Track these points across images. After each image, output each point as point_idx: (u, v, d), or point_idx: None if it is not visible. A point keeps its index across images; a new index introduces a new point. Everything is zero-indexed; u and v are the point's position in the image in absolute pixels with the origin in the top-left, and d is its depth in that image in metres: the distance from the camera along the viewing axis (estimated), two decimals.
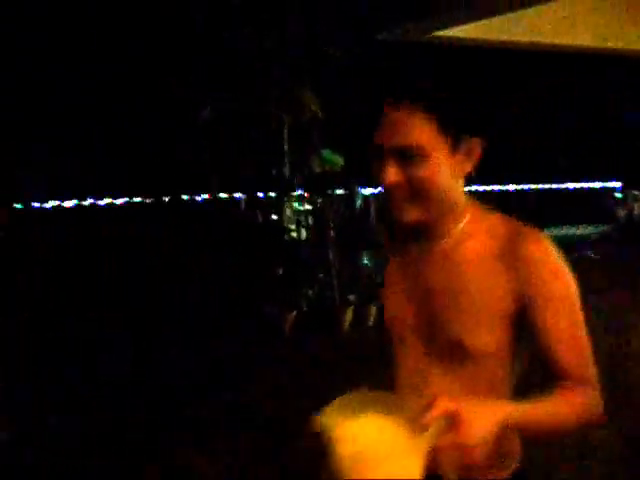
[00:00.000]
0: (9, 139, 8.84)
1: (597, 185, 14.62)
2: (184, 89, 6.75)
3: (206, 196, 10.25)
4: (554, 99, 13.93)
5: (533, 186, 14.17)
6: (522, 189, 14.15)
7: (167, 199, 10.16)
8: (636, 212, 12.89)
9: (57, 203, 9.97)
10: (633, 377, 4.82)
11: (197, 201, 10.29)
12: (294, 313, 5.96)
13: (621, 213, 13.31)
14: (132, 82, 8.88)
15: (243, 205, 9.60)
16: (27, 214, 9.55)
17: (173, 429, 3.99)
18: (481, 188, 13.45)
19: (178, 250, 8.17)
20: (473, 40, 5.86)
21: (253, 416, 4.21)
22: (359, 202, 12.38)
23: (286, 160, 7.00)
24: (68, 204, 10.11)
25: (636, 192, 13.10)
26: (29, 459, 3.63)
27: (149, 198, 10.09)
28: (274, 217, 7.22)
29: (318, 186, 7.30)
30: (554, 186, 14.50)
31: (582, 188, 14.45)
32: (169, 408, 4.32)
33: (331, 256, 6.41)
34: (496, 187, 13.88)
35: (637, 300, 7.31)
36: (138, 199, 10.29)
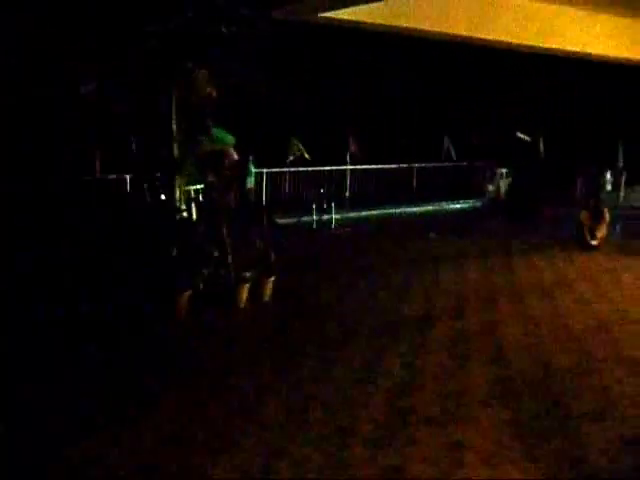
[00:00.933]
0: None
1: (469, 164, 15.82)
2: (72, 63, 6.37)
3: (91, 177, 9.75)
4: (432, 85, 14.80)
5: (415, 165, 15.02)
6: (406, 167, 14.95)
7: (47, 181, 9.51)
8: (502, 189, 14.18)
9: None
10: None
11: (83, 182, 9.73)
12: (189, 292, 5.96)
13: (490, 189, 14.60)
14: (17, 53, 8.15)
15: (129, 185, 9.27)
16: None
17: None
18: (367, 167, 14.05)
19: (65, 234, 7.75)
20: (357, 22, 6.14)
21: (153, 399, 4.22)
22: (251, 180, 12.46)
23: (175, 139, 6.88)
24: None
25: (502, 170, 14.40)
26: None
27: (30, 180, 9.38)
28: (164, 197, 7.09)
29: (210, 164, 7.26)
30: (433, 165, 15.46)
31: (458, 166, 15.56)
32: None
33: (224, 234, 6.45)
34: (380, 166, 14.53)
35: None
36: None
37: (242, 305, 6.29)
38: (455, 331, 5.58)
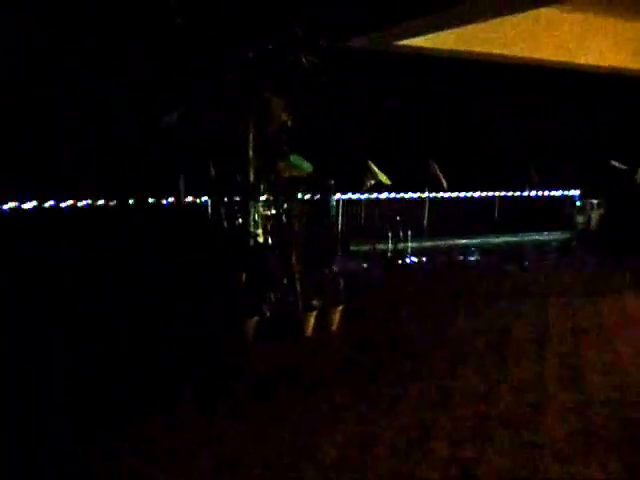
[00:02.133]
0: None
1: (557, 193, 15.01)
2: (152, 93, 6.70)
3: (172, 199, 10.16)
4: (518, 110, 14.28)
5: (497, 193, 14.46)
6: (487, 196, 14.43)
7: (132, 202, 10.02)
8: (593, 220, 13.29)
9: (16, 204, 9.73)
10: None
11: (163, 205, 10.18)
12: (256, 319, 5.95)
13: (580, 221, 13.73)
14: (99, 84, 8.76)
15: (209, 209, 9.54)
16: None
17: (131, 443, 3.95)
18: (447, 195, 13.68)
19: (142, 253, 8.07)
20: (437, 50, 6.00)
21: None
22: (333, 206, 12.47)
23: (251, 165, 7.00)
24: (28, 206, 9.88)
25: (594, 201, 13.52)
26: None
27: (114, 201, 9.93)
28: (240, 222, 7.21)
29: (285, 191, 7.33)
30: (517, 194, 14.82)
31: (544, 196, 14.82)
32: (128, 419, 4.27)
33: (294, 261, 6.42)
34: (462, 194, 14.11)
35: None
36: (102, 202, 10.11)
37: (309, 333, 6.20)
38: (535, 374, 5.18)
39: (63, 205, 10.15)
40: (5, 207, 9.77)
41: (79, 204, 10.15)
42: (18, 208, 9.84)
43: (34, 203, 9.94)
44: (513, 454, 3.78)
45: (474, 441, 3.94)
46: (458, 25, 5.17)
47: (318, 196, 12.33)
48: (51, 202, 10.10)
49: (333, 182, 12.28)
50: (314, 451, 3.77)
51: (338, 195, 12.66)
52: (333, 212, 12.11)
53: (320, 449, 3.80)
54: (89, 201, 10.07)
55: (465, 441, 3.94)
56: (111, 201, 10.01)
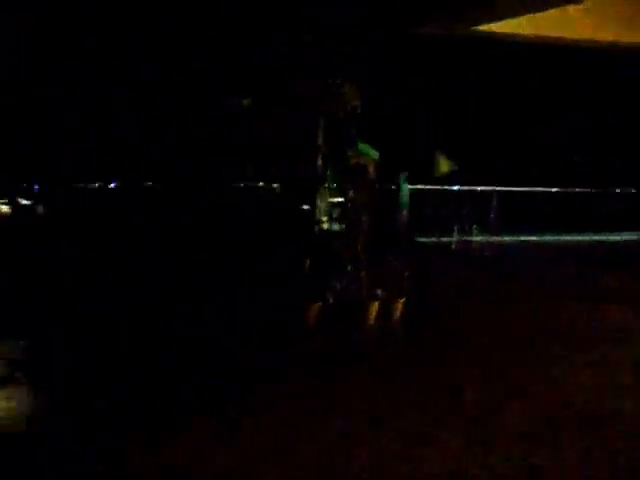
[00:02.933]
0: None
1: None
2: (225, 79, 6.82)
3: (241, 184, 10.36)
4: (602, 100, 13.46)
5: (576, 189, 13.78)
6: (562, 191, 13.80)
7: (203, 184, 10.29)
8: None
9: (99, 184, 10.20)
10: None
11: (233, 187, 10.39)
12: (319, 304, 5.98)
13: None
14: (176, 69, 8.97)
15: (278, 193, 9.65)
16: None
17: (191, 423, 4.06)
18: (518, 189, 13.19)
19: (211, 234, 8.28)
20: (515, 35, 5.74)
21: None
22: (405, 196, 12.24)
23: (320, 152, 7.01)
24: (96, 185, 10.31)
25: None
26: None
27: (184, 183, 10.23)
28: (306, 207, 7.26)
29: (352, 179, 7.30)
30: (597, 190, 14.07)
31: (627, 192, 13.98)
32: (189, 398, 4.40)
33: (359, 249, 6.39)
34: (533, 188, 13.57)
35: None
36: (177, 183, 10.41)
37: (371, 322, 6.18)
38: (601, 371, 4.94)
39: (146, 185, 10.49)
40: (91, 186, 10.23)
41: (156, 186, 10.49)
42: (103, 187, 10.28)
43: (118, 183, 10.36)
44: None
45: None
46: (533, 11, 4.94)
47: (389, 185, 12.23)
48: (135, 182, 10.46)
49: (407, 172, 12.09)
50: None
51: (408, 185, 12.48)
52: (405, 202, 11.89)
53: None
54: (163, 184, 10.39)
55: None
56: (183, 182, 10.30)
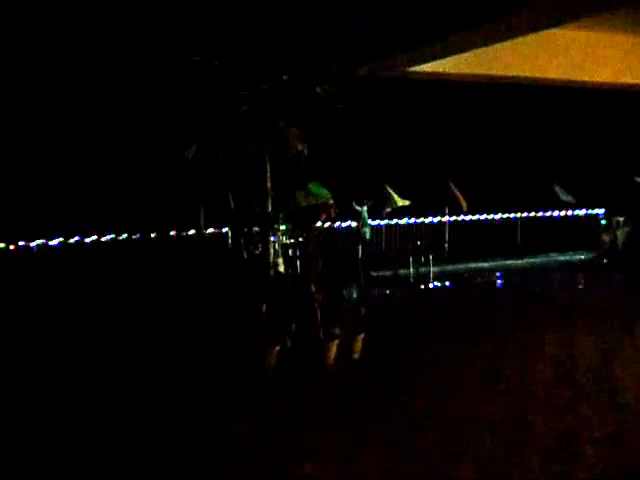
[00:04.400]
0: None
1: (581, 212, 14.78)
2: (169, 129, 6.84)
3: (193, 231, 10.27)
4: (536, 129, 14.18)
5: (519, 215, 14.30)
6: (508, 217, 14.27)
7: (154, 235, 10.17)
8: (619, 239, 13.00)
9: (43, 242, 9.95)
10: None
11: (184, 236, 10.30)
12: (277, 348, 5.92)
13: (605, 239, 13.43)
14: (122, 123, 8.99)
15: (229, 240, 9.61)
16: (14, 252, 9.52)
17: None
18: (467, 218, 13.58)
19: (162, 284, 8.15)
20: (448, 74, 6.03)
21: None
22: (367, 231, 12.32)
23: (269, 195, 7.07)
24: (53, 242, 10.09)
25: (619, 218, 13.24)
26: None
27: (135, 235, 10.08)
28: (259, 251, 7.25)
29: (304, 220, 7.35)
30: (539, 214, 14.63)
31: (567, 215, 14.60)
32: (150, 445, 4.24)
33: (313, 290, 6.40)
34: (482, 216, 13.99)
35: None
36: (124, 236, 10.27)
37: (330, 361, 6.13)
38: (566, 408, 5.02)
39: (87, 240, 10.33)
40: (32, 244, 9.99)
41: (102, 239, 10.32)
42: (45, 245, 10.05)
43: (60, 239, 10.15)
44: None
45: None
46: (467, 49, 5.19)
47: (344, 223, 12.35)
48: (76, 238, 10.29)
49: (366, 208, 12.25)
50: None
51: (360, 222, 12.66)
52: (367, 236, 11.97)
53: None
54: (111, 236, 10.23)
55: None
56: (133, 235, 10.16)
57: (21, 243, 9.77)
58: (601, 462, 3.97)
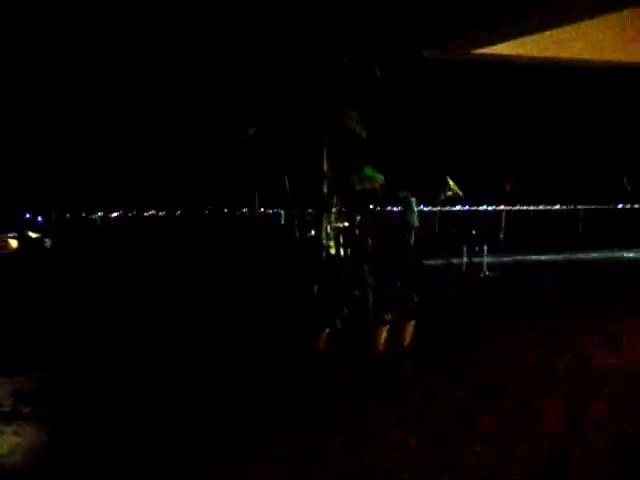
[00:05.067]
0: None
1: None
2: (229, 108, 6.88)
3: (247, 210, 10.39)
4: (607, 116, 13.53)
5: (581, 206, 13.76)
6: (570, 208, 13.76)
7: (207, 212, 10.34)
8: None
9: (102, 214, 10.33)
10: None
11: (239, 215, 10.43)
12: (327, 331, 5.93)
13: None
14: (176, 100, 9.11)
15: (283, 220, 9.66)
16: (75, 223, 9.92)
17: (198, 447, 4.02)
18: (525, 207, 13.18)
19: (217, 264, 8.27)
20: (515, 57, 5.78)
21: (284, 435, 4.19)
22: (415, 217, 12.15)
23: (325, 178, 7.03)
24: (114, 214, 10.47)
25: None
26: None
27: (190, 211, 10.29)
28: (313, 234, 7.25)
29: (358, 204, 7.31)
30: (604, 206, 14.02)
31: (635, 208, 13.93)
32: (195, 427, 4.35)
33: (366, 274, 6.36)
34: (541, 207, 13.55)
35: None
36: (179, 211, 10.52)
37: (380, 347, 6.11)
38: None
39: (146, 214, 10.66)
40: (94, 216, 10.40)
41: (160, 213, 10.61)
42: (106, 217, 10.45)
43: (119, 212, 10.51)
44: None
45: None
46: (536, 31, 4.96)
47: (395, 208, 12.25)
48: (134, 212, 10.63)
49: (415, 196, 12.10)
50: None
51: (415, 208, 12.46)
52: (415, 224, 11.83)
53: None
54: (166, 211, 10.50)
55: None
56: (188, 211, 10.38)
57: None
58: None
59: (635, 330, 6.93)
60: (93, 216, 10.22)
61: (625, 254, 12.79)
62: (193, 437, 4.09)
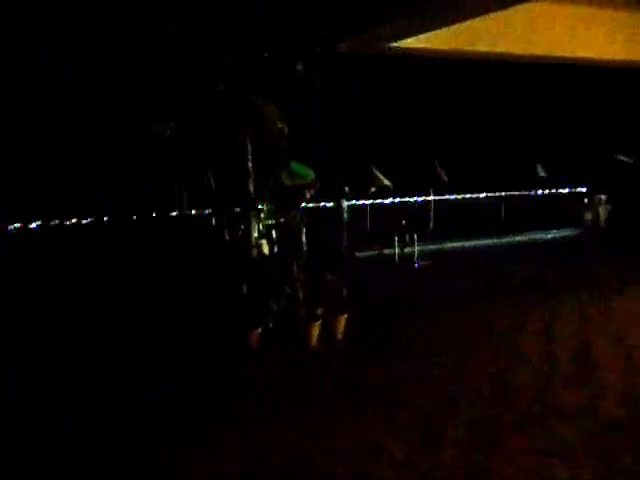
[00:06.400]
0: None
1: (565, 190, 14.85)
2: (147, 106, 6.67)
3: (175, 213, 10.16)
4: (517, 107, 14.14)
5: (503, 193, 14.34)
6: (493, 196, 14.31)
7: (135, 217, 10.04)
8: (602, 216, 13.09)
9: (22, 224, 9.80)
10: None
11: (166, 218, 10.19)
12: (259, 330, 5.88)
13: (588, 217, 13.51)
14: (97, 100, 8.78)
15: (213, 221, 9.51)
16: None
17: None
18: (452, 196, 13.58)
19: (145, 266, 8.06)
20: (429, 50, 5.94)
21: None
22: (345, 215, 12.27)
23: (250, 175, 6.96)
24: (33, 225, 9.95)
25: (602, 196, 13.31)
26: None
27: (116, 216, 9.95)
28: (241, 232, 7.17)
29: (287, 200, 7.27)
30: (523, 193, 14.69)
31: (550, 193, 14.68)
32: (135, 425, 4.21)
33: (296, 270, 6.35)
34: (467, 195, 14.00)
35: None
36: (106, 218, 10.13)
37: (313, 343, 6.12)
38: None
39: (67, 223, 10.19)
40: (10, 227, 9.83)
41: (83, 222, 10.18)
42: (24, 227, 9.91)
43: (39, 222, 10.00)
44: None
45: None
46: (446, 24, 5.09)
47: (323, 204, 12.27)
48: (55, 221, 10.13)
49: (348, 189, 12.16)
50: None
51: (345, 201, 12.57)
52: (346, 219, 11.92)
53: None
54: (92, 218, 10.09)
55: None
56: (114, 217, 10.02)
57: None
58: None
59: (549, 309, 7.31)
60: (9, 228, 9.67)
61: (543, 236, 13.52)
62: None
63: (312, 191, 7.60)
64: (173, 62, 6.17)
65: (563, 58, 6.95)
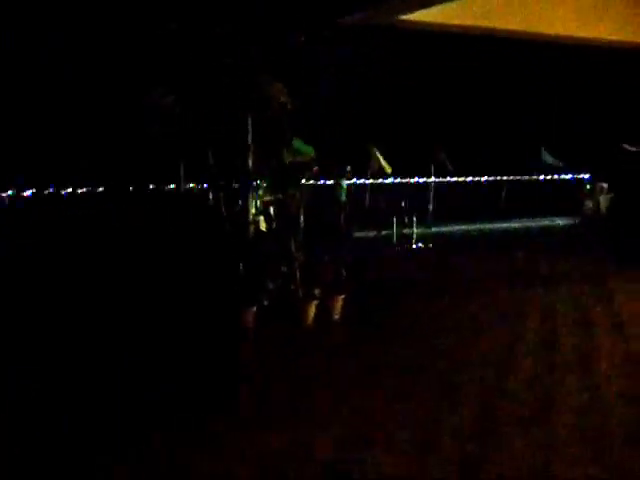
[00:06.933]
0: None
1: (567, 177, 14.72)
2: (147, 77, 6.49)
3: (173, 186, 10.00)
4: (522, 91, 13.94)
5: (505, 177, 14.20)
6: (494, 180, 14.17)
7: (131, 188, 9.89)
8: (602, 204, 12.97)
9: (16, 192, 9.65)
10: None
11: (164, 191, 10.05)
12: (254, 308, 5.79)
13: (588, 205, 13.40)
14: (95, 70, 8.58)
15: (210, 196, 9.35)
16: None
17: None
18: (453, 179, 13.44)
19: (141, 240, 7.94)
20: (440, 25, 5.72)
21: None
22: (343, 193, 12.13)
23: (250, 151, 6.80)
24: (27, 193, 9.80)
25: (603, 185, 13.18)
26: None
27: (113, 187, 9.81)
28: (239, 209, 7.04)
29: (287, 177, 7.13)
30: (526, 178, 14.55)
31: (554, 180, 14.54)
32: (129, 408, 4.14)
33: (293, 248, 6.24)
34: (468, 178, 13.87)
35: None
36: (101, 188, 9.99)
37: (309, 322, 6.04)
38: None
39: (63, 192, 10.04)
40: (4, 194, 9.69)
41: (78, 191, 10.04)
42: (18, 196, 9.77)
43: (33, 190, 9.85)
44: None
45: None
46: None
47: (325, 182, 12.13)
48: (50, 189, 9.99)
49: (349, 168, 11.98)
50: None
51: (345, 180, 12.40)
52: (344, 198, 11.77)
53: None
54: (88, 188, 9.95)
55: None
56: (110, 188, 9.88)
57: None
58: None
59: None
60: (3, 195, 9.51)
61: (544, 222, 13.42)
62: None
63: (316, 169, 7.47)
64: (178, 37, 5.96)
65: (573, 38, 6.74)
